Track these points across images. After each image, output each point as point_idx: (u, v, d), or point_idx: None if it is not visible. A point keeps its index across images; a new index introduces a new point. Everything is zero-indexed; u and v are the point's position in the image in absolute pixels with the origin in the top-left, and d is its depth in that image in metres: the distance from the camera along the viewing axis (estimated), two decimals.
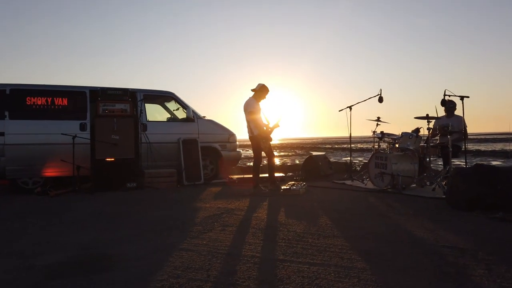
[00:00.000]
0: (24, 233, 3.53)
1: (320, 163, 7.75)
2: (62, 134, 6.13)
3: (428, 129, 5.89)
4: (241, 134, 6.62)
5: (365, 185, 6.38)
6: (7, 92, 6.21)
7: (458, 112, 6.38)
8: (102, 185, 6.22)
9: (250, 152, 20.28)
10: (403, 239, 3.11)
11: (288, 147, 53.86)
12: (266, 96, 5.99)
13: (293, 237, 3.16)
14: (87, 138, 6.34)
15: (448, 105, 6.18)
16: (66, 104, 6.53)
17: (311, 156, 7.96)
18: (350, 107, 7.12)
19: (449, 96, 5.60)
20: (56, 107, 6.48)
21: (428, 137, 5.90)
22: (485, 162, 7.00)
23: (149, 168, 6.87)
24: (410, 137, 5.88)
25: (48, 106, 6.44)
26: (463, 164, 5.77)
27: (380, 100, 6.74)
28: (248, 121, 5.83)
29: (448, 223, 3.66)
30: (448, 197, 4.49)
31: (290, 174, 7.96)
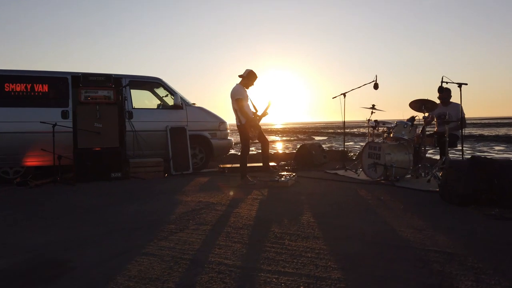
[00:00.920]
0: None
1: (313, 152, 7.49)
2: (41, 122, 5.88)
3: (424, 117, 5.60)
4: (233, 121, 6.38)
5: (358, 175, 6.14)
6: None
7: (456, 99, 6.07)
8: (84, 176, 6.00)
9: None
10: (388, 240, 2.87)
11: (290, 132, 53.72)
12: (255, 83, 5.70)
13: (269, 238, 2.93)
14: (68, 127, 6.08)
15: (442, 95, 5.87)
16: (46, 90, 6.26)
17: (304, 145, 7.70)
18: (344, 94, 6.82)
19: (447, 83, 5.29)
20: (36, 94, 6.21)
21: (423, 126, 5.62)
22: (482, 155, 6.64)
23: (135, 157, 6.64)
24: (405, 126, 5.60)
25: (28, 92, 6.16)
26: (460, 154, 5.52)
27: (376, 86, 6.44)
28: (235, 110, 5.56)
29: (439, 220, 3.42)
30: (442, 191, 4.24)
31: (283, 163, 7.72)
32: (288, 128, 79.61)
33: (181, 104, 7.08)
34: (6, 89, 6.03)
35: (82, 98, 6.15)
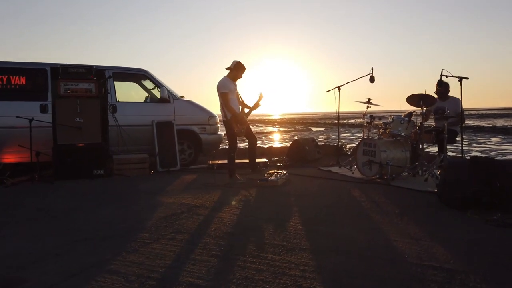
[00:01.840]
0: None
1: (306, 147, 7.21)
2: (17, 117, 5.55)
3: (422, 113, 5.31)
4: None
5: (353, 173, 5.87)
6: None
7: (456, 94, 5.79)
8: (64, 173, 5.70)
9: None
10: (381, 253, 2.60)
11: (287, 123, 53.41)
12: (243, 75, 5.39)
13: (250, 251, 2.66)
14: (46, 122, 5.76)
15: (441, 89, 5.57)
16: (24, 83, 5.92)
17: (297, 140, 7.41)
18: (338, 88, 6.52)
19: (446, 76, 5.00)
20: (13, 86, 5.87)
21: (421, 122, 5.34)
22: (479, 147, 6.39)
23: (120, 153, 6.34)
24: (402, 122, 5.31)
25: (4, 85, 5.82)
26: (459, 152, 5.25)
27: (372, 79, 6.14)
28: (221, 104, 5.25)
29: (437, 228, 3.16)
30: (440, 192, 3.98)
31: (275, 158, 7.44)
32: (285, 119, 79.20)
33: (168, 97, 6.76)
34: None
35: (62, 91, 5.82)
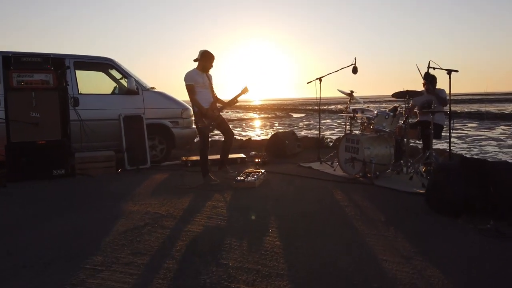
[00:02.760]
0: None
1: (286, 141, 6.85)
2: None
3: (407, 107, 5.00)
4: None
5: (334, 170, 5.55)
6: None
7: (444, 86, 5.51)
8: (20, 174, 5.15)
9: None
10: (368, 279, 2.27)
11: (268, 109, 53.08)
12: (213, 64, 4.94)
13: (219, 279, 2.28)
14: None
15: (426, 82, 5.26)
16: None
17: (277, 134, 7.04)
18: (319, 79, 6.14)
19: (434, 68, 4.69)
20: None
21: (406, 117, 5.04)
22: (473, 156, 6.15)
23: (83, 151, 5.81)
24: (386, 117, 5.00)
25: None
26: (446, 146, 4.98)
27: (354, 70, 5.78)
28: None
29: (428, 241, 2.85)
30: (429, 196, 3.69)
31: (254, 153, 7.05)
32: (266, 104, 78.76)
33: (137, 89, 6.23)
34: None
35: (15, 83, 5.21)
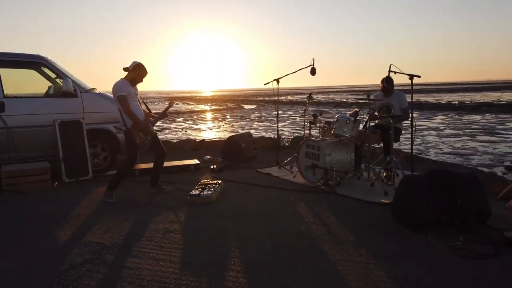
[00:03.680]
0: None
1: (242, 144, 6.51)
2: None
3: (368, 112, 4.86)
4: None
5: (294, 176, 5.31)
6: None
7: (404, 90, 5.45)
8: None
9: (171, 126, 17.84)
10: None
11: (219, 100, 52.41)
12: (143, 79, 4.49)
13: None
14: None
15: (386, 87, 5.16)
16: None
17: (232, 138, 6.66)
18: (277, 80, 5.85)
19: (395, 73, 4.57)
20: None
21: (367, 121, 4.90)
22: (440, 168, 6.11)
23: (12, 163, 5.05)
24: (347, 122, 4.82)
25: None
26: (408, 148, 4.92)
27: (313, 72, 5.55)
28: (119, 110, 4.30)
29: (401, 265, 2.67)
30: (395, 210, 3.55)
31: (208, 157, 6.64)
32: (217, 95, 77.80)
33: (75, 91, 5.53)
34: None
35: None
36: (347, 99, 43.55)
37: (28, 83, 6.07)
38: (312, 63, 5.48)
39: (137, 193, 4.64)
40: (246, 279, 2.51)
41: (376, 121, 5.35)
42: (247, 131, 9.05)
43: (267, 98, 54.44)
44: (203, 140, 8.59)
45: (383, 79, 5.05)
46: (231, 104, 42.68)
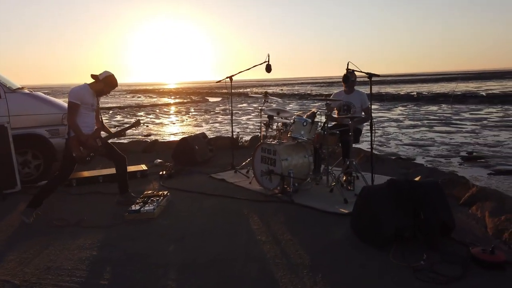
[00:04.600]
0: None
1: (196, 146, 6.02)
2: None
3: (326, 113, 4.53)
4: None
5: (250, 182, 4.91)
6: None
7: (364, 89, 5.17)
8: None
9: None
10: None
11: (183, 93, 51.17)
12: (110, 92, 4.00)
13: None
14: None
15: (349, 80, 4.85)
16: None
17: (185, 139, 6.13)
18: (230, 78, 5.39)
19: (353, 71, 4.26)
20: None
21: (325, 123, 4.56)
22: (401, 177, 5.94)
23: None
24: (304, 124, 4.47)
25: None
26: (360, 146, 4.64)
27: (268, 69, 5.14)
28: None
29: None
30: (355, 224, 3.23)
31: (159, 161, 6.10)
32: (182, 88, 76.00)
33: None
34: None
35: None
36: (311, 91, 43.82)
37: None
38: (267, 59, 5.07)
39: (69, 209, 4.07)
40: None
41: (336, 122, 5.05)
42: (202, 131, 8.54)
43: (233, 91, 53.65)
44: (156, 141, 7.99)
45: (342, 78, 4.73)
46: (195, 97, 41.76)
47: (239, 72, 5.36)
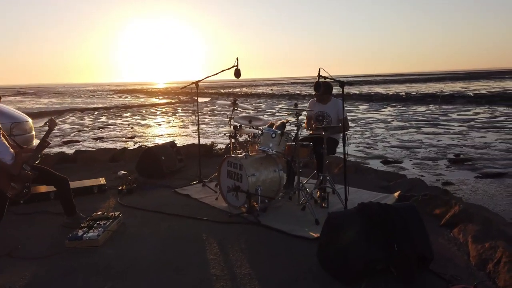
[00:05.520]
0: None
1: (162, 157, 5.57)
2: None
3: (296, 124, 4.12)
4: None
5: (216, 199, 4.49)
6: None
7: (337, 96, 4.78)
8: None
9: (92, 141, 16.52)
10: None
11: (173, 93, 50.47)
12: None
13: None
14: None
15: (322, 91, 4.46)
16: None
17: (150, 150, 5.66)
18: (196, 83, 4.97)
19: (325, 78, 3.86)
20: None
21: (296, 134, 4.16)
22: (372, 201, 5.57)
23: None
24: (273, 135, 4.06)
25: None
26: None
27: (237, 74, 4.72)
28: None
29: None
30: (322, 256, 2.83)
31: (123, 172, 5.63)
32: (171, 88, 75.02)
33: None
34: None
35: None
36: (301, 91, 43.54)
37: None
38: (235, 64, 4.65)
39: (8, 234, 3.60)
40: None
41: (311, 132, 4.65)
42: (171, 140, 8.11)
43: (222, 91, 53.34)
44: (125, 148, 7.52)
45: (314, 86, 4.33)
46: (184, 97, 41.18)
47: (206, 77, 4.93)
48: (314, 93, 4.41)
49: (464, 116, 15.90)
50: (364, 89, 44.32)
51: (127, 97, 45.48)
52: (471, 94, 27.71)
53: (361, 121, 15.63)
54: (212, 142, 7.70)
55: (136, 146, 11.01)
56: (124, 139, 12.58)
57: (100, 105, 30.01)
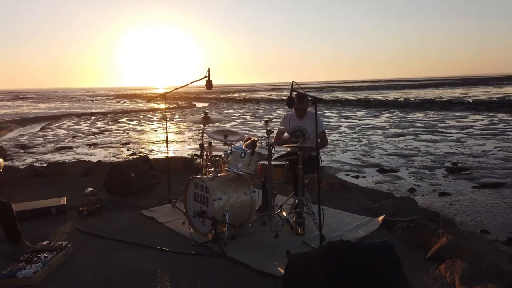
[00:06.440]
0: None
1: (132, 174, 5.16)
2: None
3: (268, 143, 3.71)
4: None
5: (183, 223, 4.08)
6: None
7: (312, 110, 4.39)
8: None
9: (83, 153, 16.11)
10: None
11: (171, 98, 50.17)
12: None
13: None
14: None
15: (297, 106, 4.07)
16: None
17: (118, 166, 5.23)
18: (164, 95, 4.58)
19: (297, 92, 3.47)
20: None
21: (269, 152, 3.75)
22: (343, 239, 5.29)
23: None
24: (243, 155, 3.66)
25: None
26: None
27: (208, 85, 4.33)
28: None
29: None
30: None
31: (90, 189, 5.21)
32: (169, 93, 74.36)
33: None
34: None
35: None
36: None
37: None
38: (207, 75, 4.25)
39: None
40: None
41: (288, 150, 4.25)
42: (145, 154, 7.70)
43: (221, 96, 52.99)
44: (99, 162, 7.10)
45: (286, 101, 3.93)
46: (182, 102, 40.89)
47: (175, 89, 4.54)
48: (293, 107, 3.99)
49: (462, 123, 15.55)
50: (363, 94, 43.99)
51: (125, 102, 45.25)
52: (470, 100, 27.35)
53: (358, 128, 15.30)
54: (194, 154, 7.29)
55: (130, 152, 10.74)
56: (118, 145, 12.34)
57: (97, 110, 29.76)
